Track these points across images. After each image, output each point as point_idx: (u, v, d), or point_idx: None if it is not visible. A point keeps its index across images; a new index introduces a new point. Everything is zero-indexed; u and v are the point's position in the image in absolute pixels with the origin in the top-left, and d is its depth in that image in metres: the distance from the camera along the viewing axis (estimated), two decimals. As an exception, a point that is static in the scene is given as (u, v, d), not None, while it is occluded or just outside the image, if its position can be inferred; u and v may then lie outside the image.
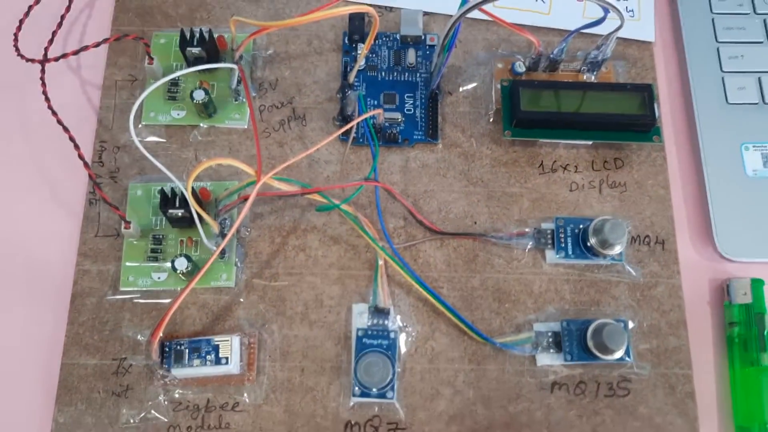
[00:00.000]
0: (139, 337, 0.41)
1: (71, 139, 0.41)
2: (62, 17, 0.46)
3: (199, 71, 0.45)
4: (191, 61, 0.45)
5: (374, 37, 0.40)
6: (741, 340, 0.41)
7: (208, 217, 0.39)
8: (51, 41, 0.44)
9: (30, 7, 0.45)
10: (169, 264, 0.41)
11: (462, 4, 0.40)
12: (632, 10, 0.49)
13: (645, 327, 0.42)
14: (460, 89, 0.47)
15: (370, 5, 0.48)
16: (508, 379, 0.41)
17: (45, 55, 0.43)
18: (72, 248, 0.43)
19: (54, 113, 0.41)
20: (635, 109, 0.43)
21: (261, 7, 0.49)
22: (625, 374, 0.41)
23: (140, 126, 0.45)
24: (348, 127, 0.41)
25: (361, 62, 0.42)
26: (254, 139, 0.40)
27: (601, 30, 0.42)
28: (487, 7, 0.38)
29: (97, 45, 0.41)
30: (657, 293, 0.42)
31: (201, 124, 0.45)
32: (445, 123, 0.46)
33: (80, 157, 0.40)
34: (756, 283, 0.42)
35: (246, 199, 0.39)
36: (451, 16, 0.47)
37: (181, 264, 0.40)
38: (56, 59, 0.43)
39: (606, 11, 0.39)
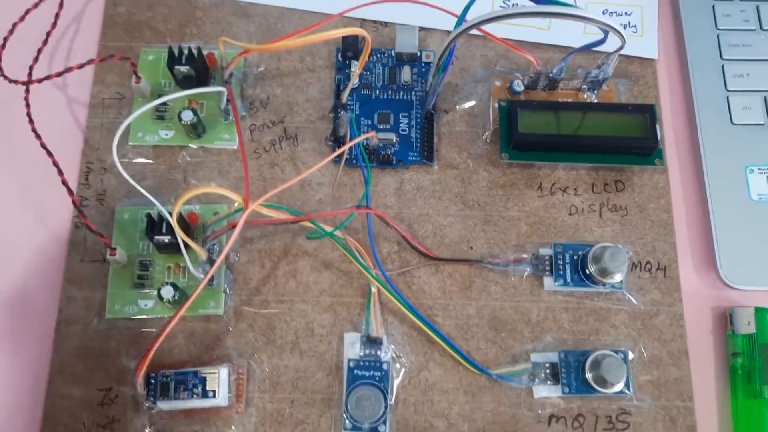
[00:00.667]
0: (125, 362, 0.40)
1: (55, 164, 0.39)
2: (48, 34, 0.45)
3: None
4: (179, 80, 0.43)
5: (368, 54, 0.39)
6: (744, 371, 0.40)
7: (195, 245, 0.38)
8: (36, 59, 0.43)
9: (14, 25, 0.44)
10: (156, 291, 0.40)
11: (458, 24, 0.39)
12: (635, 26, 0.47)
13: (645, 357, 0.40)
14: (457, 108, 0.46)
15: (364, 20, 0.47)
16: (504, 412, 0.39)
17: (30, 76, 0.42)
18: (57, 274, 0.42)
19: (38, 136, 0.40)
20: (637, 131, 0.42)
21: (252, 23, 0.47)
22: (624, 407, 0.40)
23: (127, 146, 0.44)
24: (340, 151, 0.39)
25: (354, 82, 0.41)
26: (241, 153, 0.38)
27: (602, 47, 0.41)
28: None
29: (82, 66, 0.40)
30: (658, 322, 0.41)
31: (190, 145, 0.44)
32: (441, 143, 0.45)
33: (64, 183, 0.39)
34: (760, 313, 0.41)
35: (234, 226, 0.38)
36: (448, 31, 0.46)
37: (168, 293, 0.38)
38: (40, 81, 0.42)
39: (606, 33, 0.38)
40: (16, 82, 0.41)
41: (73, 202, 0.39)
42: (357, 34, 0.35)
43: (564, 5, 0.35)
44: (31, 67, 0.43)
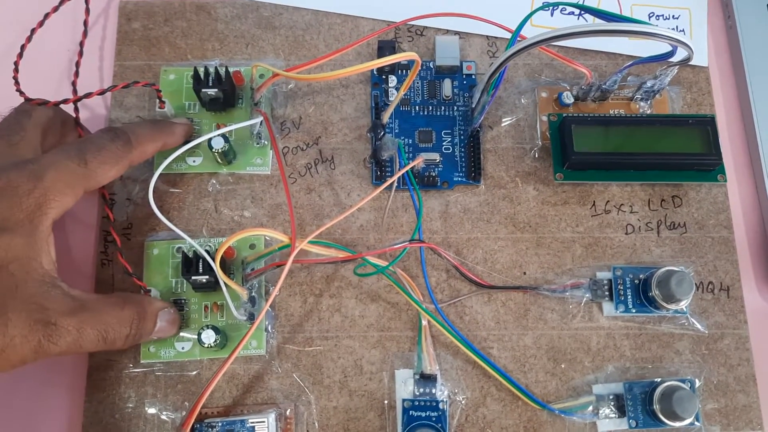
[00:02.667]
0: (163, 415, 0.37)
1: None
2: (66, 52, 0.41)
3: (215, 112, 0.41)
4: (206, 103, 0.40)
5: (407, 66, 0.36)
6: (815, 395, 0.38)
7: (237, 286, 0.36)
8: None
9: (22, 47, 0.40)
10: (193, 333, 0.38)
11: (512, 42, 0.36)
12: (683, 30, 0.44)
13: (712, 384, 0.39)
14: (502, 122, 0.43)
15: (398, 27, 0.44)
16: (567, 448, 0.38)
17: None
18: (85, 316, 0.39)
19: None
20: (698, 146, 0.39)
21: (278, 35, 0.44)
22: (693, 438, 0.38)
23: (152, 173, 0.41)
24: (390, 182, 0.37)
25: (396, 102, 0.38)
26: (285, 192, 0.36)
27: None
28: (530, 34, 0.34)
29: (103, 92, 0.37)
30: (723, 346, 0.39)
31: (220, 171, 0.41)
32: (487, 161, 0.42)
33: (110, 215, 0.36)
34: (830, 333, 0.39)
35: (278, 265, 0.36)
36: (487, 37, 0.44)
37: (209, 338, 0.36)
38: (57, 104, 0.39)
39: (674, 47, 0.35)
40: (31, 101, 0.38)
41: (114, 240, 0.37)
42: (408, 59, 0.32)
43: (631, 21, 0.33)
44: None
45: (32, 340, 0.29)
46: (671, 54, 0.36)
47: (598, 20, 0.35)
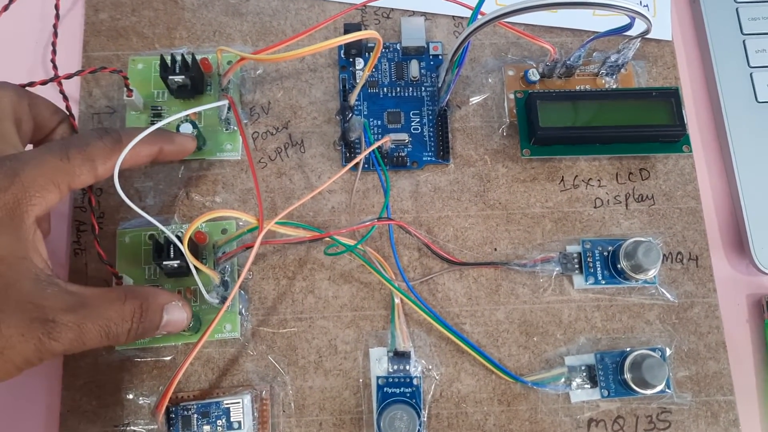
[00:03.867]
0: (140, 400, 0.38)
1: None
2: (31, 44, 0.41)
3: (184, 100, 0.41)
4: (174, 90, 0.40)
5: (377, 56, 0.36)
6: (784, 360, 0.39)
7: (208, 270, 0.36)
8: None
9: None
10: (167, 319, 0.38)
11: (472, 19, 0.36)
12: (647, 5, 0.45)
13: (683, 353, 0.39)
14: (470, 101, 0.43)
15: (364, 10, 0.44)
16: (541, 419, 0.38)
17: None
18: (59, 305, 0.39)
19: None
20: (663, 118, 0.40)
21: (246, 22, 0.44)
22: (664, 405, 0.38)
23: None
24: (354, 162, 0.37)
25: (362, 83, 0.38)
26: (252, 175, 0.36)
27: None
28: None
29: (69, 77, 0.37)
30: (693, 315, 0.40)
31: (191, 158, 0.41)
32: (456, 140, 0.42)
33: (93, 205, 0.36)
34: (798, 298, 0.39)
35: (248, 247, 0.36)
36: (453, 17, 0.44)
37: (182, 321, 0.36)
38: (23, 86, 0.39)
39: (632, 19, 0.35)
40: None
41: (86, 229, 0.37)
42: (368, 37, 0.33)
43: (589, -8, 0.33)
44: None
45: (32, 339, 0.28)
46: (629, 26, 0.36)
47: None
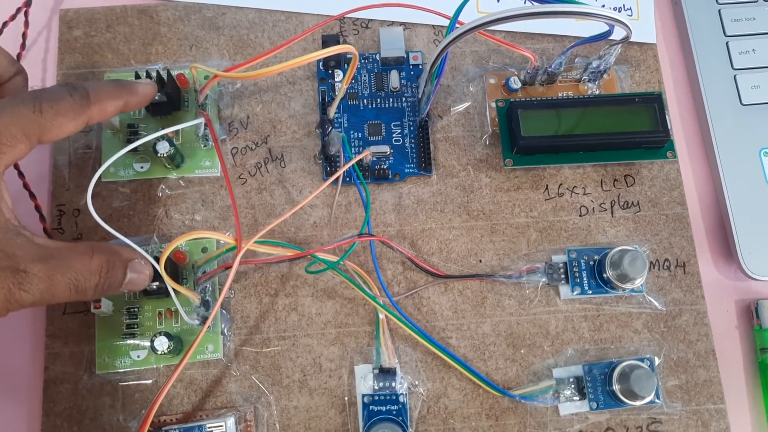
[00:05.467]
0: (121, 420, 0.37)
1: (37, 208, 0.36)
2: None
3: (161, 117, 0.41)
4: (150, 107, 0.40)
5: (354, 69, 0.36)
6: (775, 366, 0.38)
7: (187, 291, 0.35)
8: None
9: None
10: (147, 341, 0.37)
11: (450, 29, 0.35)
12: (630, 8, 0.44)
13: (672, 361, 0.39)
14: (451, 110, 0.43)
15: (343, 21, 0.43)
16: (530, 433, 0.37)
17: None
18: (39, 330, 0.39)
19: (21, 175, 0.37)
20: (646, 124, 0.39)
21: (222, 35, 0.44)
22: (654, 416, 0.38)
23: (100, 183, 0.40)
24: (334, 177, 0.36)
25: (341, 97, 0.38)
26: (231, 200, 0.35)
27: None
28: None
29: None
30: (682, 322, 0.39)
31: (169, 176, 0.41)
32: (438, 151, 0.42)
33: (46, 231, 0.36)
34: (787, 303, 0.39)
35: (228, 267, 0.35)
36: (433, 26, 0.43)
37: (162, 344, 0.36)
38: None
39: (611, 27, 0.35)
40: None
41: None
42: (344, 51, 0.32)
43: (565, 2, 0.32)
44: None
45: (2, 289, 0.28)
46: (609, 33, 0.36)
47: (534, 2, 0.35)
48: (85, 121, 0.33)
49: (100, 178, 0.40)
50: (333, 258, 0.37)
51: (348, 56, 0.42)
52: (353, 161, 0.37)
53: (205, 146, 0.41)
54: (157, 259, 0.35)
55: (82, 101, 0.33)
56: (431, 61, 0.36)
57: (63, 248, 0.31)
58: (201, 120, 0.38)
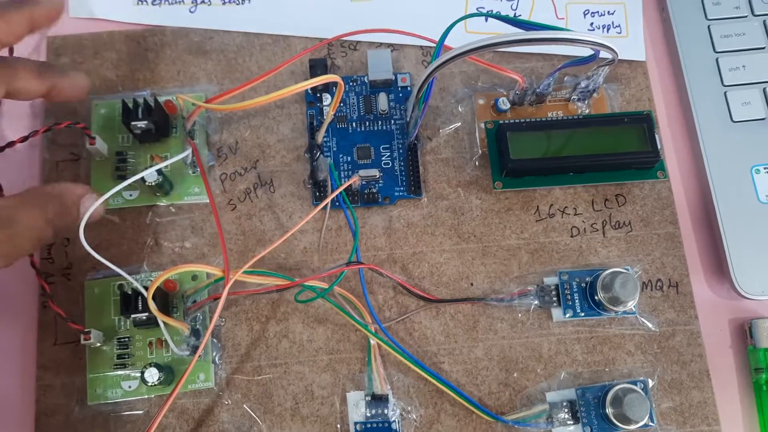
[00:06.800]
0: (114, 455, 0.37)
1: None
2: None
3: (149, 144, 0.41)
4: (138, 135, 0.40)
5: (341, 96, 0.36)
6: (769, 386, 0.38)
7: (176, 322, 0.35)
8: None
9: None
10: (139, 372, 0.37)
11: (435, 55, 0.35)
12: (619, 26, 0.44)
13: (666, 383, 0.38)
14: (440, 132, 0.42)
15: (331, 43, 0.43)
16: (524, 458, 0.37)
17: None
18: (30, 361, 0.38)
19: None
20: (636, 144, 0.39)
21: (210, 60, 0.43)
22: (649, 439, 0.38)
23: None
24: (322, 206, 0.36)
25: (327, 122, 0.38)
26: (217, 222, 0.35)
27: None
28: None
29: (24, 140, 0.36)
30: (675, 343, 0.39)
31: (158, 203, 0.40)
32: (428, 173, 0.42)
33: (33, 265, 0.36)
34: (780, 322, 0.39)
35: (216, 298, 0.35)
36: (421, 47, 0.43)
37: (152, 376, 0.36)
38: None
39: (597, 52, 0.35)
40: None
41: (42, 287, 0.36)
42: (330, 81, 0.32)
43: (550, 28, 0.32)
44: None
45: None
46: (595, 56, 0.35)
47: (520, 28, 0.34)
48: (2, 93, 0.33)
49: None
50: (323, 285, 0.37)
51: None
52: (340, 189, 0.37)
53: (193, 173, 0.40)
54: (147, 289, 0.34)
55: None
56: (417, 86, 0.35)
57: (16, 205, 0.32)
58: (188, 151, 0.37)
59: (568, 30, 0.32)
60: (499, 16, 0.35)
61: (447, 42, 0.36)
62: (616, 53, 0.34)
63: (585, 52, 0.36)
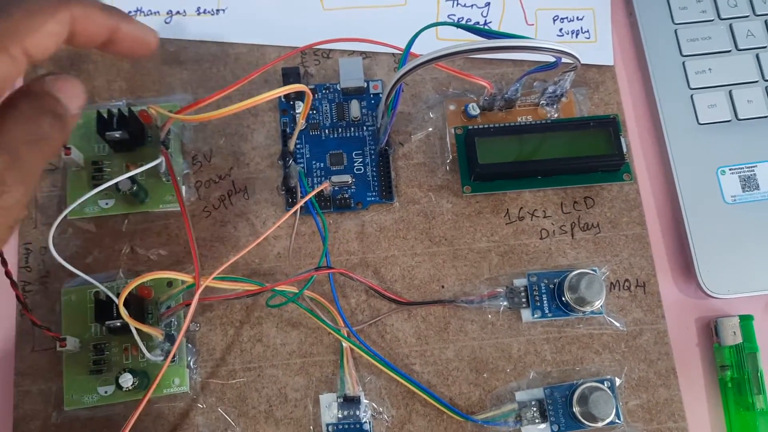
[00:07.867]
0: (92, 460, 0.37)
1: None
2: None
3: (125, 153, 0.41)
4: (113, 145, 0.40)
5: (310, 105, 0.36)
6: (734, 383, 0.39)
7: (149, 328, 0.36)
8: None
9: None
10: (114, 377, 0.38)
11: (402, 63, 0.36)
12: (588, 31, 0.45)
13: (633, 381, 0.39)
14: (412, 138, 0.43)
15: (304, 52, 0.44)
16: (494, 457, 0.38)
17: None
18: (8, 367, 0.39)
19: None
20: (602, 147, 0.40)
21: (185, 69, 0.44)
22: (617, 436, 0.38)
23: (65, 220, 0.41)
24: (290, 213, 0.37)
25: (300, 128, 0.38)
26: (190, 228, 0.36)
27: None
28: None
29: None
30: (643, 342, 0.40)
31: (134, 211, 0.41)
32: (399, 178, 0.42)
33: (8, 275, 0.36)
34: (745, 321, 0.39)
35: (188, 304, 0.36)
36: (393, 54, 0.44)
37: (126, 381, 0.36)
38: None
39: (558, 59, 0.35)
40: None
41: (18, 297, 0.36)
42: (298, 90, 0.32)
43: (512, 37, 0.33)
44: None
45: None
46: (556, 64, 0.36)
47: (484, 36, 0.35)
48: (67, 20, 0.27)
49: (65, 216, 0.40)
50: (293, 290, 0.37)
51: (310, 86, 0.42)
52: (309, 195, 0.37)
53: (167, 181, 0.41)
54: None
55: None
56: (385, 94, 0.36)
57: None
58: (160, 160, 0.38)
59: (529, 38, 0.33)
60: (462, 25, 0.36)
61: (421, 50, 0.36)
62: (578, 59, 0.35)
63: (549, 58, 0.37)
